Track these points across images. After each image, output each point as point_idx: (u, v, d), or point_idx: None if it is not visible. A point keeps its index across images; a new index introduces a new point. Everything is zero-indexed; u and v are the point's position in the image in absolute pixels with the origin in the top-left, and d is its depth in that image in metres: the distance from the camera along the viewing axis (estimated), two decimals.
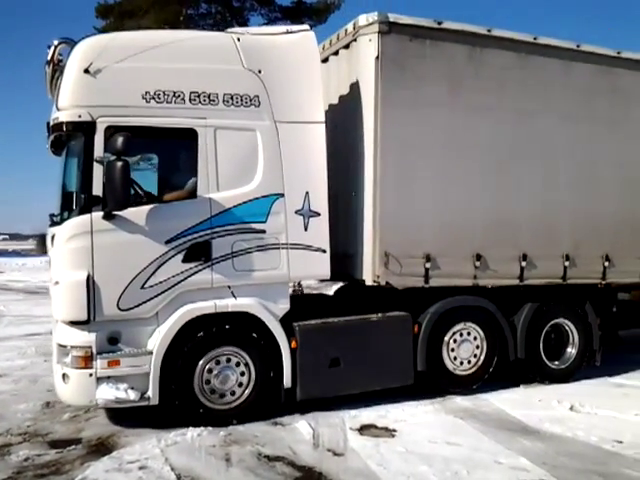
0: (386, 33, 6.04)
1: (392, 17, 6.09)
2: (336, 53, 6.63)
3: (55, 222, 5.70)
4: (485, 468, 4.58)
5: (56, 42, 5.38)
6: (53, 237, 5.44)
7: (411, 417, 5.84)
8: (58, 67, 5.38)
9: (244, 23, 23.64)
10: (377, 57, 6.01)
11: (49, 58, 5.40)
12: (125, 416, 5.59)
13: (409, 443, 5.11)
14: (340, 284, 7.66)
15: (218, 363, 5.55)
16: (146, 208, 5.27)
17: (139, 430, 5.38)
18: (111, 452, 4.92)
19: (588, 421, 5.73)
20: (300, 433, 5.39)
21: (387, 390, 6.53)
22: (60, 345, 5.28)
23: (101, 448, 5.04)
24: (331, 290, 8.26)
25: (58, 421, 5.74)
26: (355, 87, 6.27)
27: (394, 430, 5.46)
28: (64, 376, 5.21)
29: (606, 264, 7.09)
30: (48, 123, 5.66)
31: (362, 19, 6.11)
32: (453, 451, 4.94)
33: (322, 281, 6.83)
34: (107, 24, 22.52)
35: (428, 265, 6.23)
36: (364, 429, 5.51)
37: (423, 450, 4.94)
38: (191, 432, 5.26)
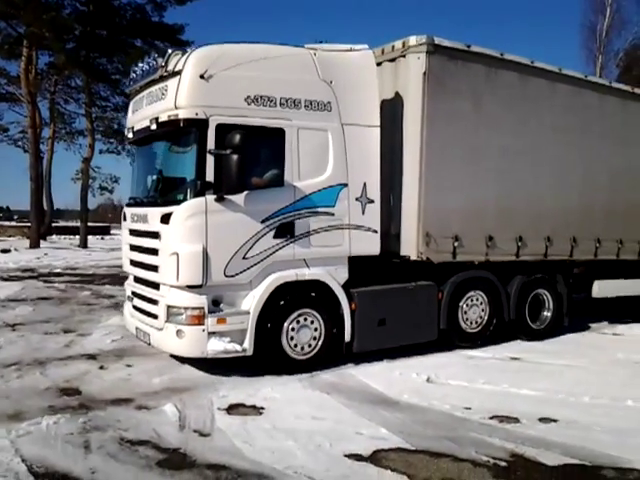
0: (432, 53, 7.34)
1: (437, 40, 7.39)
2: (379, 64, 7.54)
3: (151, 203, 6.84)
4: (347, 439, 4.77)
5: (170, 51, 6.52)
6: (145, 216, 6.68)
7: (279, 395, 5.92)
8: (168, 72, 6.36)
9: None
10: (424, 73, 7.30)
11: (162, 63, 6.41)
12: None
13: (276, 420, 5.20)
14: None
15: (298, 322, 6.71)
16: (247, 193, 6.25)
17: None
18: None
19: (442, 391, 6.14)
20: (166, 416, 5.28)
21: (257, 370, 6.69)
22: (173, 306, 6.29)
23: None
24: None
25: None
26: (401, 96, 7.51)
27: (262, 408, 5.52)
28: (178, 332, 6.22)
29: (573, 244, 8.91)
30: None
31: (412, 40, 7.38)
32: (318, 425, 5.09)
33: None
34: None
35: (456, 244, 7.70)
36: (232, 409, 5.51)
37: (289, 425, 5.05)
38: (46, 420, 4.98)
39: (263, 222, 6.42)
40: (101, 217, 71.50)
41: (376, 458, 4.44)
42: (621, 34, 28.05)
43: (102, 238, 42.08)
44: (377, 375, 6.67)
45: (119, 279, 15.78)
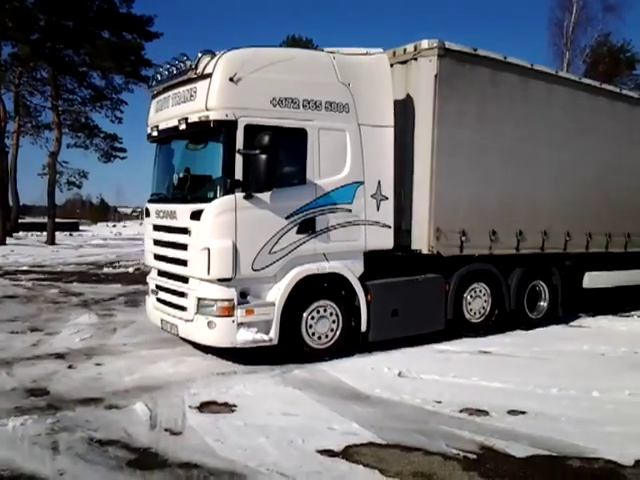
0: (442, 56, 7.72)
1: (447, 44, 7.78)
2: (390, 66, 7.75)
3: (179, 200, 7.07)
4: (319, 435, 4.78)
5: (200, 54, 6.63)
6: (173, 212, 6.97)
7: (251, 391, 5.90)
8: (197, 74, 6.60)
9: None
10: (436, 75, 7.68)
11: (192, 65, 6.61)
12: None
13: (248, 417, 5.18)
14: None
15: (317, 312, 7.04)
16: (273, 191, 6.53)
17: None
18: None
19: (413, 385, 6.20)
20: (137, 415, 5.22)
21: (230, 368, 6.70)
22: (204, 299, 6.58)
23: None
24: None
25: None
26: (412, 97, 7.87)
27: (234, 405, 5.50)
28: (209, 323, 6.51)
29: (567, 238, 9.41)
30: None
31: (425, 43, 7.75)
32: (290, 421, 5.10)
33: None
34: None
35: (463, 238, 8.12)
36: (204, 406, 5.48)
37: (261, 422, 5.04)
38: (13, 422, 4.88)
39: (287, 218, 6.76)
40: (69, 213, 70.27)
41: (348, 453, 4.46)
42: (587, 30, 28.65)
43: (70, 234, 41.40)
44: (349, 370, 6.69)
45: (88, 276, 15.57)
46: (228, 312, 6.49)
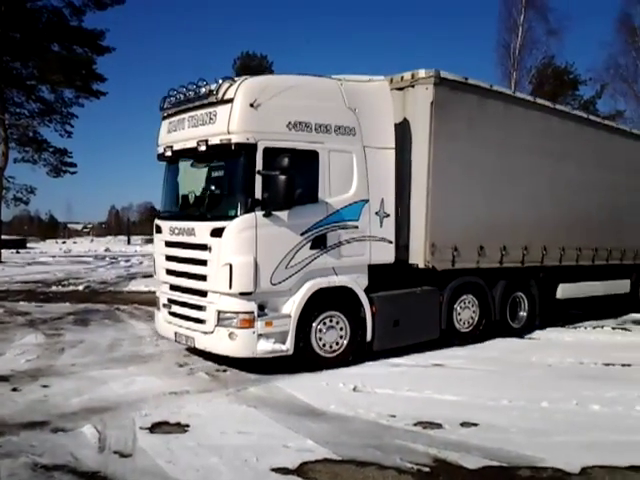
0: (438, 84, 8.27)
1: (442, 73, 8.35)
2: None
3: (197, 217, 7.39)
4: (274, 453, 4.73)
5: (221, 80, 7.09)
6: (191, 229, 7.29)
7: (204, 411, 5.81)
8: (217, 99, 7.01)
9: None
10: (432, 102, 8.22)
11: (212, 90, 7.05)
12: None
13: (201, 436, 5.09)
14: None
15: (325, 323, 7.43)
16: (290, 209, 6.95)
17: None
18: None
19: (368, 399, 6.21)
20: (85, 438, 5.07)
21: (182, 387, 6.59)
22: (225, 312, 6.94)
23: None
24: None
25: None
26: (409, 121, 8.40)
27: (187, 425, 5.39)
28: (231, 335, 6.87)
29: (543, 252, 10.11)
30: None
31: (422, 73, 8.32)
32: (244, 440, 5.03)
33: None
34: None
35: (455, 253, 8.68)
36: (155, 427, 5.35)
37: (214, 442, 4.96)
38: None
39: (302, 235, 7.19)
40: (17, 230, 68.03)
41: (303, 470, 4.43)
42: (532, 53, 29.55)
43: (17, 252, 40.05)
44: (304, 386, 6.66)
45: (35, 295, 15.08)
46: (249, 324, 6.86)
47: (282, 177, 6.73)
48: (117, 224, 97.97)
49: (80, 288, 17.33)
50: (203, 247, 7.09)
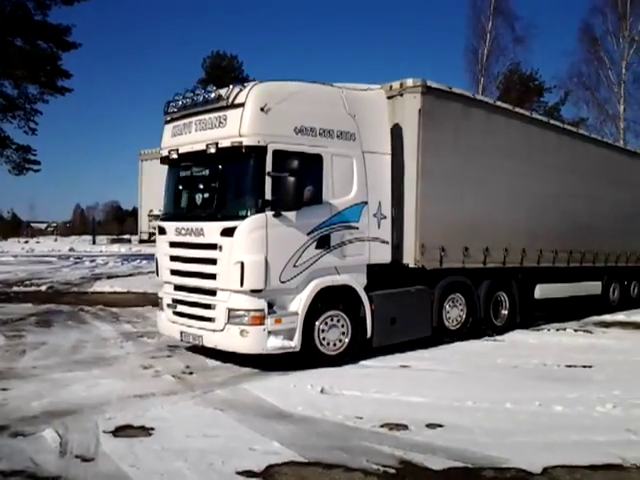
0: (425, 93, 8.71)
1: (429, 82, 8.80)
2: None
3: (206, 218, 7.57)
4: (240, 456, 4.68)
5: (232, 86, 7.42)
6: (199, 229, 7.52)
7: (170, 414, 5.73)
8: (227, 103, 7.32)
9: None
10: (419, 110, 8.64)
11: (222, 95, 7.37)
12: None
13: (165, 440, 5.01)
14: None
15: (326, 323, 7.72)
16: (297, 209, 7.24)
17: None
18: None
19: (335, 401, 6.21)
20: (45, 442, 4.94)
21: (147, 390, 6.46)
22: (236, 309, 7.18)
23: None
24: None
25: None
26: (399, 128, 8.75)
27: (151, 428, 5.30)
28: (242, 332, 7.11)
29: (523, 254, 10.69)
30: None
31: (409, 82, 8.71)
32: (210, 443, 4.97)
33: None
34: None
35: (442, 254, 9.10)
36: (119, 431, 5.25)
37: (179, 445, 4.89)
38: None
39: (308, 234, 7.51)
40: None
41: (269, 473, 4.40)
42: (499, 59, 30.00)
43: None
44: (271, 388, 6.64)
45: None
46: (260, 321, 7.11)
47: (291, 179, 7.02)
48: (82, 223, 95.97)
49: (43, 288, 16.98)
50: (213, 246, 7.31)
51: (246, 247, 7.11)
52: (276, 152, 7.21)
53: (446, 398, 6.33)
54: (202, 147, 7.50)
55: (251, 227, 7.11)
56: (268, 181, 7.17)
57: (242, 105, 7.19)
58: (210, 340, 7.52)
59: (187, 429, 5.28)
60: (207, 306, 7.54)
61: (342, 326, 7.86)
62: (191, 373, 7.36)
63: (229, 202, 7.70)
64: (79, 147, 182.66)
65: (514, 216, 10.40)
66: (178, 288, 8.07)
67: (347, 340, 7.90)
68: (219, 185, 7.77)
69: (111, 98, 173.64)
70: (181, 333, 7.94)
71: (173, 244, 8.04)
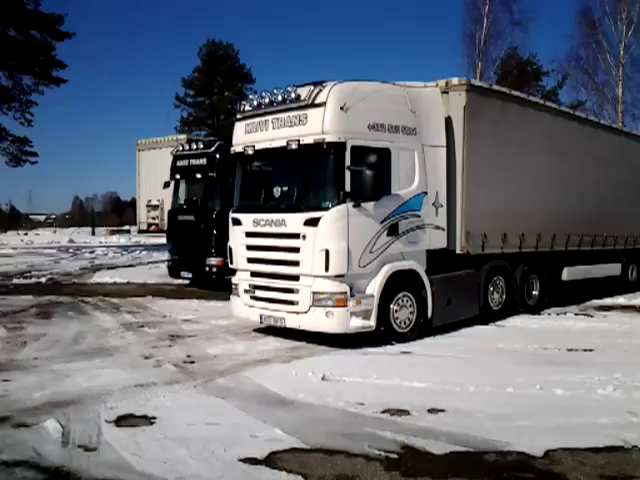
0: (469, 91, 9.40)
1: (472, 81, 9.77)
2: None
3: (288, 209, 8.18)
4: (242, 443, 4.70)
5: (311, 86, 7.96)
6: (281, 220, 8.14)
7: (172, 402, 5.74)
8: (308, 102, 7.90)
9: None
10: (464, 106, 9.31)
11: (303, 94, 7.94)
12: None
13: (168, 428, 5.03)
14: None
15: (399, 304, 8.43)
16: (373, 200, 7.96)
17: None
18: None
19: (337, 388, 6.22)
20: (47, 433, 4.95)
21: (149, 379, 6.47)
22: (321, 292, 7.82)
23: None
24: None
25: None
26: (449, 122, 9.37)
27: (153, 417, 5.31)
28: (327, 314, 7.75)
29: (553, 239, 11.45)
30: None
31: (455, 80, 9.43)
32: (212, 431, 4.99)
33: None
34: None
35: (484, 240, 9.83)
36: (121, 420, 5.26)
37: (181, 434, 4.90)
38: None
39: (381, 223, 8.18)
40: None
41: (271, 460, 4.41)
42: (497, 43, 29.82)
43: None
44: (273, 376, 6.65)
45: None
46: (343, 303, 7.73)
47: (368, 172, 7.65)
48: (81, 215, 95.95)
49: (43, 280, 16.95)
50: (295, 236, 7.92)
51: (330, 236, 7.72)
52: (354, 147, 7.82)
53: (447, 383, 6.34)
54: (282, 144, 8.07)
55: (335, 217, 7.72)
56: (347, 174, 7.76)
57: (323, 104, 7.77)
58: (293, 321, 8.10)
59: (189, 417, 5.29)
60: (289, 290, 8.14)
61: (410, 306, 8.56)
62: (192, 362, 7.37)
63: (311, 194, 8.36)
64: (77, 138, 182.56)
65: (547, 204, 11.05)
66: (255, 274, 8.66)
67: (414, 318, 8.60)
68: (300, 179, 8.44)
69: (108, 87, 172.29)
70: (260, 316, 8.56)
71: (250, 234, 8.61)
